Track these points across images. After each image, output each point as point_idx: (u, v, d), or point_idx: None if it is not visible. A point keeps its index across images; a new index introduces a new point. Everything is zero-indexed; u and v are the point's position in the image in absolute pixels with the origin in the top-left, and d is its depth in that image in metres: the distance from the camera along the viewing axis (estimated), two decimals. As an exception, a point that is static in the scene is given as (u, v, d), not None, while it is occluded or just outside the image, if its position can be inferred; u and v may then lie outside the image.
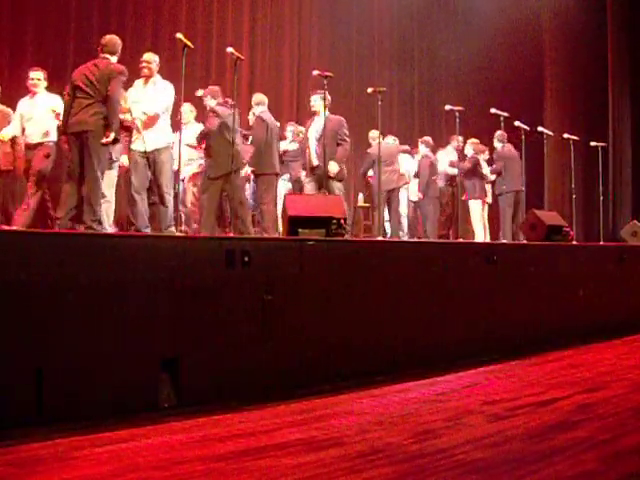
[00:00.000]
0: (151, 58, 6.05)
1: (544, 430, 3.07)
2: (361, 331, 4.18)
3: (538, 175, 9.04)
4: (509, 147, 8.81)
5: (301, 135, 7.69)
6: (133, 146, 5.99)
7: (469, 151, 9.09)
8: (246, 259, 3.60)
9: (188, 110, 7.19)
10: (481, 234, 8.97)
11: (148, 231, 5.83)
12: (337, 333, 4.04)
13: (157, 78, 6.05)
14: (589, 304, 6.10)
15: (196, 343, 3.41)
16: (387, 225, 8.77)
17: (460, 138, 8.80)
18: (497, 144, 8.87)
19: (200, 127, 6.84)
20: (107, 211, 5.99)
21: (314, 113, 6.71)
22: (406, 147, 9.58)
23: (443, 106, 7.65)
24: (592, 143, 8.76)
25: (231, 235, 6.02)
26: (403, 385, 4.07)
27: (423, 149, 9.25)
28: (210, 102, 6.50)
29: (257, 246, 3.77)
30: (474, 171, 8.95)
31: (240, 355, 3.57)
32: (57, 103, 6.33)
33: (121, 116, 5.77)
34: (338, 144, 6.57)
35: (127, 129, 6.12)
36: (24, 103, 6.39)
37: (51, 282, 2.99)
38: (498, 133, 8.74)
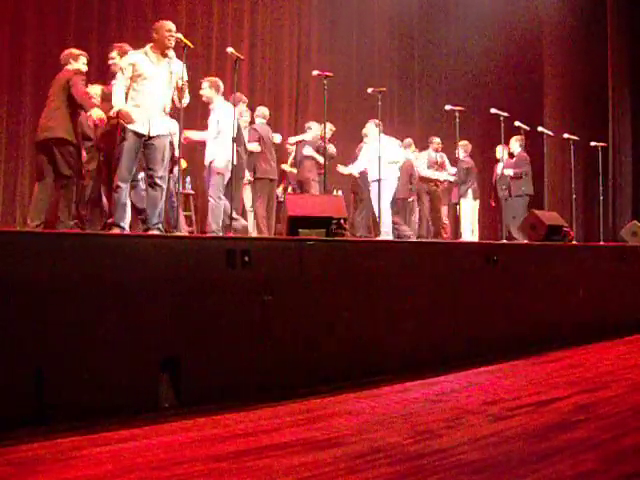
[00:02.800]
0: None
1: (544, 430, 3.08)
2: (361, 331, 4.18)
3: (538, 175, 9.05)
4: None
5: None
6: (130, 125, 5.07)
7: (461, 153, 9.06)
8: (246, 259, 3.60)
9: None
10: (473, 232, 9.05)
11: (125, 227, 5.27)
12: (337, 333, 4.04)
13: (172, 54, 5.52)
14: (589, 304, 6.10)
15: (196, 343, 3.41)
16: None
17: (438, 140, 8.81)
18: (517, 148, 8.94)
19: None
20: None
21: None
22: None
23: (443, 106, 7.64)
24: (592, 143, 8.74)
25: (231, 235, 5.99)
26: (403, 385, 4.07)
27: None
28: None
29: (257, 246, 3.77)
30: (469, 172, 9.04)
31: (240, 355, 3.57)
32: None
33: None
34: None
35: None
36: None
37: (51, 282, 2.99)
38: (519, 137, 8.81)
